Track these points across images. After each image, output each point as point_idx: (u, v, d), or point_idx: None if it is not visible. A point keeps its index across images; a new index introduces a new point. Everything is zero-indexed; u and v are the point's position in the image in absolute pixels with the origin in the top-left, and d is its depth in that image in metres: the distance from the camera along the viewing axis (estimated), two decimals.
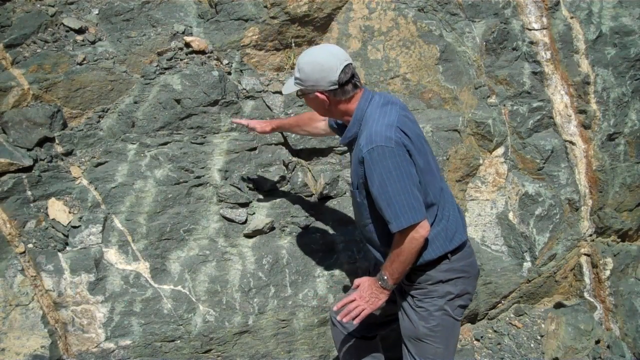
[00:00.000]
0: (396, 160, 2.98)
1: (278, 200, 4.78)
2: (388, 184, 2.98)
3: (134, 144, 4.67)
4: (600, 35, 5.45)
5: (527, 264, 5.17)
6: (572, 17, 5.49)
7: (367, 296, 3.22)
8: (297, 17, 5.31)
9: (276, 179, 4.77)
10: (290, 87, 3.29)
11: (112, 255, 4.40)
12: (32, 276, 4.21)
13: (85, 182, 4.57)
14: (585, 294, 5.33)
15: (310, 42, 5.49)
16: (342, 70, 3.15)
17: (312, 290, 4.54)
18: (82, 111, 4.90)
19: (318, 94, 3.20)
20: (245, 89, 4.95)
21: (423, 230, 3.06)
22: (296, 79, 3.23)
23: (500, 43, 5.38)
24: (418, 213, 3.02)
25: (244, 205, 4.69)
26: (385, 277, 3.17)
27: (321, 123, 4.00)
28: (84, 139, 4.77)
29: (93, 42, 5.09)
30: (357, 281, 3.33)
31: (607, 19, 5.52)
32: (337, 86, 3.16)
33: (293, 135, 4.83)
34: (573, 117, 5.43)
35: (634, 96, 5.44)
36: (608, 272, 5.28)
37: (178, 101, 4.73)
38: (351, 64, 3.22)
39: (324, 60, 3.16)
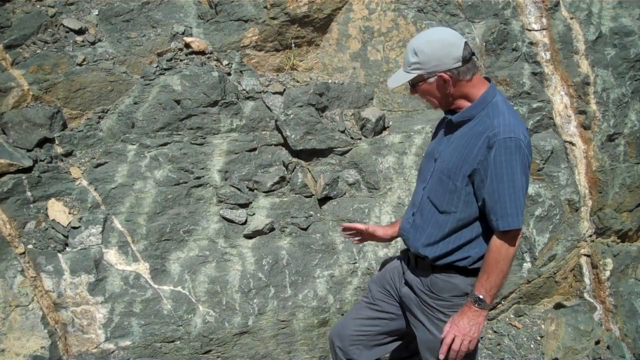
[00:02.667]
0: (526, 160, 2.80)
1: (278, 200, 4.78)
2: (517, 178, 2.76)
3: (134, 144, 4.67)
4: (600, 36, 5.44)
5: (527, 265, 5.17)
6: (571, 18, 5.49)
7: (467, 327, 2.91)
8: (297, 17, 5.32)
9: (276, 179, 4.77)
10: (401, 77, 2.95)
11: (112, 256, 4.40)
12: (32, 277, 4.21)
13: (85, 182, 4.57)
14: (585, 295, 5.33)
15: (310, 43, 5.50)
16: (463, 47, 2.88)
17: (312, 291, 4.54)
18: (81, 112, 4.90)
19: (443, 75, 2.87)
20: (245, 90, 4.95)
21: (519, 239, 2.88)
22: (412, 64, 2.88)
23: (500, 44, 5.38)
24: (522, 218, 2.84)
25: (244, 205, 4.69)
26: (482, 296, 2.87)
27: None
28: (84, 139, 4.77)
29: (93, 43, 5.09)
30: (446, 328, 2.97)
31: (607, 20, 5.52)
32: (461, 63, 2.87)
33: (293, 135, 4.83)
34: (573, 117, 5.43)
35: (633, 97, 5.44)
36: (608, 273, 5.27)
37: (178, 102, 4.73)
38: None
39: (445, 35, 2.90)
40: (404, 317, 3.30)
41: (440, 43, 2.85)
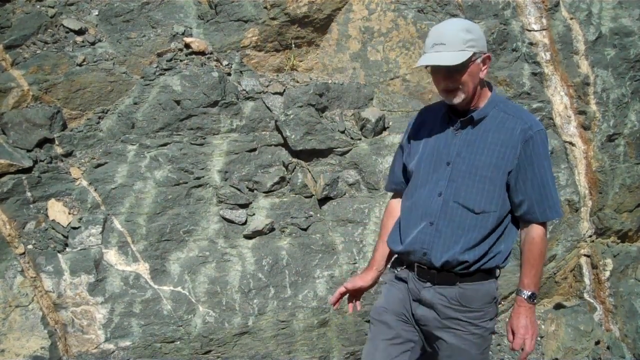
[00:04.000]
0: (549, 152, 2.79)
1: (278, 201, 4.78)
2: (550, 171, 2.77)
3: (134, 145, 4.67)
4: (599, 36, 5.44)
5: None
6: (571, 18, 5.49)
7: (530, 325, 2.80)
8: (297, 18, 5.32)
9: (276, 179, 4.77)
10: (457, 56, 2.66)
11: (111, 256, 4.40)
12: (31, 277, 4.21)
13: (85, 183, 4.57)
14: (585, 295, 5.33)
15: (310, 43, 5.49)
16: None
17: (312, 291, 4.54)
18: (81, 112, 4.90)
19: (489, 54, 2.76)
20: (245, 90, 4.95)
21: None
22: (468, 41, 2.67)
23: (500, 44, 5.38)
24: None
25: (244, 206, 4.70)
26: (534, 291, 2.81)
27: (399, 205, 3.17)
28: (84, 140, 4.77)
29: (93, 43, 5.09)
30: (514, 339, 2.81)
31: (607, 20, 5.52)
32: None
33: (293, 136, 4.83)
34: (573, 118, 5.43)
35: (633, 97, 5.44)
36: (608, 273, 5.27)
37: (178, 102, 4.73)
38: None
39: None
40: (421, 342, 3.02)
41: (477, 25, 2.82)
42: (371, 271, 3.14)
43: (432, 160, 2.87)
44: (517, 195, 2.77)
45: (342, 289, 3.12)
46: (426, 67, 2.78)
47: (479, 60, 2.70)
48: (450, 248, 2.79)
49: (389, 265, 3.13)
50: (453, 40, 2.66)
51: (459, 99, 2.72)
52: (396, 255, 3.05)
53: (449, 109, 2.86)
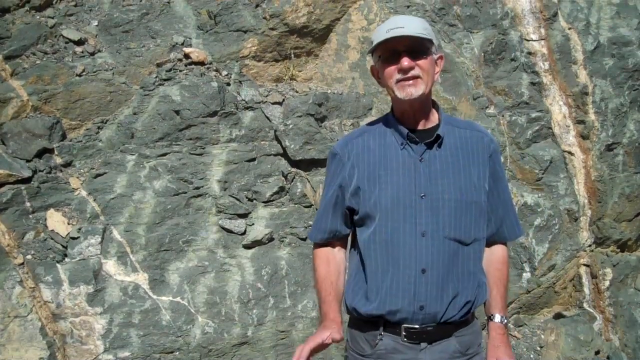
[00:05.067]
0: None
1: (277, 210, 4.78)
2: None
3: (133, 155, 4.68)
4: (598, 46, 5.46)
5: (526, 275, 5.17)
6: (570, 28, 5.51)
7: (510, 351, 2.52)
8: (296, 28, 5.33)
9: (275, 189, 4.77)
10: (419, 31, 2.35)
11: (110, 266, 4.39)
12: (30, 287, 4.20)
13: (84, 193, 4.57)
14: (585, 305, 5.33)
15: (309, 53, 5.51)
16: None
17: (311, 302, 4.53)
18: (81, 122, 4.91)
19: (442, 55, 2.52)
20: (244, 100, 4.95)
21: None
22: (426, 29, 2.40)
23: (498, 54, 5.40)
24: None
25: (243, 216, 4.69)
26: (503, 315, 2.54)
27: (339, 254, 2.68)
28: (83, 150, 4.77)
29: (92, 54, 5.10)
30: (498, 358, 2.47)
31: (605, 30, 5.54)
32: None
33: (292, 146, 4.83)
34: (571, 127, 5.44)
35: (632, 106, 5.45)
36: (607, 283, 5.27)
37: (177, 112, 4.74)
38: None
39: None
40: None
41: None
42: (335, 323, 2.47)
43: (398, 196, 2.39)
44: (489, 215, 2.50)
45: (309, 348, 2.34)
46: (378, 56, 2.42)
47: (434, 56, 2.43)
48: (450, 293, 2.38)
49: (346, 341, 2.57)
50: (411, 24, 2.36)
51: (419, 89, 2.35)
52: (352, 324, 2.53)
53: (398, 128, 2.45)
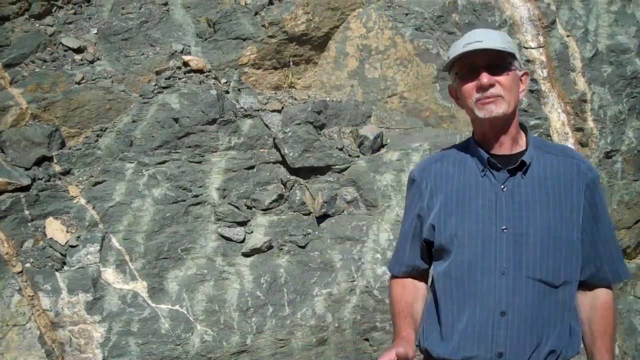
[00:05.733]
0: None
1: (276, 218, 4.77)
2: (610, 219, 2.28)
3: (132, 163, 4.68)
4: (596, 54, 5.47)
5: None
6: (568, 36, 5.52)
7: None
8: (295, 36, 5.34)
9: (274, 197, 4.77)
10: (498, 45, 2.15)
11: (109, 274, 4.39)
12: (29, 296, 4.20)
13: (83, 201, 4.57)
14: None
15: (308, 61, 5.52)
16: None
17: (310, 310, 4.53)
18: (80, 130, 4.91)
19: (527, 72, 2.29)
20: (243, 108, 4.96)
21: None
22: (508, 42, 2.21)
23: None
24: None
25: (242, 224, 4.69)
26: None
27: (418, 283, 2.50)
28: (82, 158, 4.77)
29: (91, 62, 5.11)
30: None
31: (603, 37, 5.55)
32: None
33: (291, 153, 4.83)
34: (570, 134, 5.44)
35: (630, 114, 5.46)
36: None
37: (176, 120, 4.74)
38: None
39: None
40: None
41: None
42: (406, 340, 2.26)
43: (476, 228, 2.19)
44: (584, 253, 2.21)
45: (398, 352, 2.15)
46: (455, 74, 2.23)
47: (518, 72, 2.21)
48: (534, 341, 2.13)
49: None
50: (490, 38, 2.17)
51: (500, 107, 2.14)
52: None
53: (479, 153, 2.24)
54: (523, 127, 2.29)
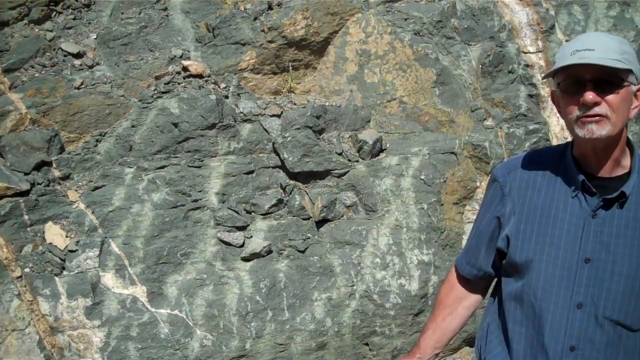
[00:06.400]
0: None
1: (275, 223, 4.77)
2: None
3: (131, 167, 4.68)
4: None
5: None
6: (567, 40, 5.53)
7: None
8: (294, 41, 5.35)
9: (273, 202, 4.77)
10: (612, 62, 1.83)
11: (109, 279, 4.38)
12: (28, 301, 4.19)
13: (82, 206, 4.57)
14: None
15: (307, 66, 5.52)
16: None
17: (309, 314, 4.53)
18: (79, 135, 4.91)
19: None
20: (242, 113, 4.96)
21: None
22: (624, 53, 1.88)
23: (496, 66, 5.41)
24: None
25: (241, 228, 4.69)
26: None
27: (472, 297, 2.38)
28: (81, 163, 4.77)
29: (91, 67, 5.11)
30: None
31: None
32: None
33: (290, 158, 4.83)
34: (569, 139, 5.45)
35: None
36: None
37: (175, 125, 4.74)
38: None
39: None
40: None
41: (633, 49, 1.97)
42: (421, 351, 2.34)
43: (556, 254, 1.99)
44: None
45: None
46: (558, 83, 1.96)
47: (633, 88, 1.91)
48: None
49: None
50: (604, 47, 1.87)
51: (603, 129, 1.87)
52: None
53: (574, 171, 2.00)
54: (630, 145, 2.01)
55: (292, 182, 4.91)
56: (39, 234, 4.43)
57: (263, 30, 5.30)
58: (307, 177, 4.95)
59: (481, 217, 2.24)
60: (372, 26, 5.49)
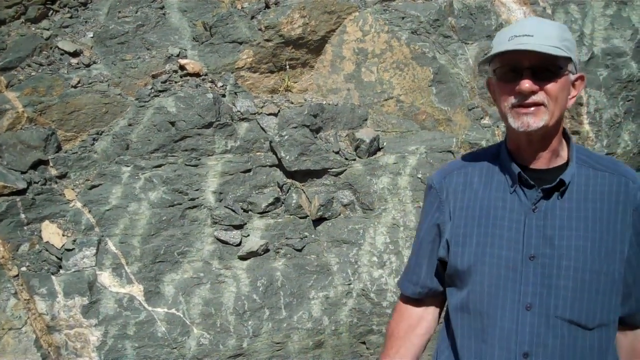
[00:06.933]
0: None
1: (272, 222, 4.77)
2: None
3: (128, 166, 4.67)
4: (592, 57, 5.49)
5: None
6: None
7: None
8: (292, 39, 5.35)
9: (270, 200, 4.77)
10: (551, 49, 1.74)
11: (105, 278, 4.38)
12: (25, 299, 4.19)
13: (79, 204, 4.56)
14: None
15: (305, 65, 5.52)
16: None
17: (306, 313, 4.52)
18: (76, 134, 4.90)
19: (584, 75, 1.90)
20: (239, 111, 4.96)
21: None
22: (565, 41, 1.79)
23: None
24: None
25: (238, 227, 4.69)
26: None
27: (424, 313, 2.18)
28: (78, 161, 4.76)
29: (88, 65, 5.11)
30: None
31: (599, 41, 5.57)
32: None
33: (287, 157, 4.83)
34: None
35: (626, 117, 5.47)
36: None
37: (172, 123, 4.74)
38: None
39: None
40: None
41: (571, 35, 1.86)
42: None
43: (499, 254, 1.86)
44: (624, 288, 1.86)
45: None
46: (494, 70, 1.88)
47: (572, 77, 1.83)
48: None
49: None
50: (543, 33, 1.78)
51: (539, 121, 1.78)
52: None
53: (510, 165, 1.90)
54: (567, 136, 1.94)
55: (289, 180, 4.91)
56: (35, 233, 4.42)
57: (260, 29, 5.30)
58: (304, 175, 4.94)
59: (420, 228, 2.10)
60: (369, 25, 5.49)
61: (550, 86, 1.76)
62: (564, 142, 1.89)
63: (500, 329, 1.83)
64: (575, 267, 1.77)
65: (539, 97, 1.76)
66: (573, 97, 1.85)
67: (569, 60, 1.79)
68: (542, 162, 1.86)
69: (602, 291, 1.79)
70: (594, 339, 1.80)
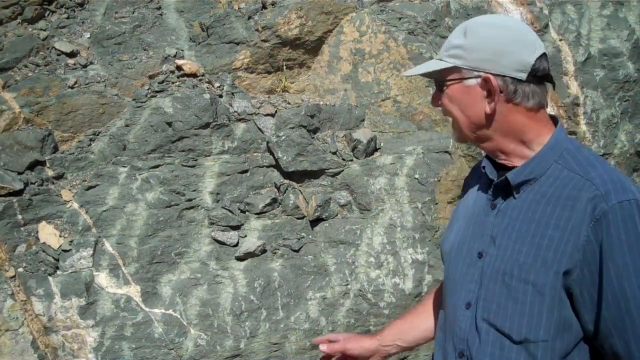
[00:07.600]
0: None
1: (269, 222, 4.77)
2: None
3: (125, 167, 4.67)
4: (589, 57, 5.49)
5: None
6: (561, 40, 5.54)
7: None
8: (288, 40, 5.35)
9: (268, 201, 4.77)
10: (428, 65, 1.82)
11: (102, 279, 4.38)
12: (22, 300, 4.18)
13: (76, 205, 4.56)
14: None
15: (302, 65, 5.52)
16: (539, 56, 1.71)
17: (304, 313, 4.52)
18: (73, 134, 4.90)
19: (490, 78, 1.68)
20: (236, 112, 4.96)
21: None
22: (453, 48, 1.74)
23: None
24: None
25: (236, 227, 4.69)
26: None
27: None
28: (75, 162, 4.76)
29: (84, 66, 5.10)
30: None
31: (596, 41, 5.57)
32: (525, 76, 1.68)
33: (284, 157, 4.83)
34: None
35: (623, 117, 5.48)
36: None
37: (169, 124, 4.74)
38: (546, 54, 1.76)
39: (521, 28, 1.75)
40: None
41: (509, 33, 1.70)
42: (372, 340, 2.25)
43: (464, 247, 1.84)
44: (584, 311, 1.61)
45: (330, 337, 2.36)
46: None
47: (470, 82, 1.71)
48: None
49: None
50: (443, 45, 1.80)
51: (455, 131, 1.84)
52: None
53: (486, 160, 1.87)
54: (553, 119, 1.82)
55: (286, 181, 4.91)
56: (32, 234, 4.42)
57: (257, 30, 5.30)
58: (302, 176, 4.94)
59: None
60: (366, 25, 5.49)
61: (442, 100, 1.79)
62: (528, 142, 1.75)
63: (449, 324, 1.82)
64: (504, 270, 1.68)
65: (445, 110, 1.80)
66: (489, 103, 1.72)
67: (455, 69, 1.73)
68: (512, 161, 1.78)
69: (529, 304, 1.62)
70: (521, 354, 1.64)
